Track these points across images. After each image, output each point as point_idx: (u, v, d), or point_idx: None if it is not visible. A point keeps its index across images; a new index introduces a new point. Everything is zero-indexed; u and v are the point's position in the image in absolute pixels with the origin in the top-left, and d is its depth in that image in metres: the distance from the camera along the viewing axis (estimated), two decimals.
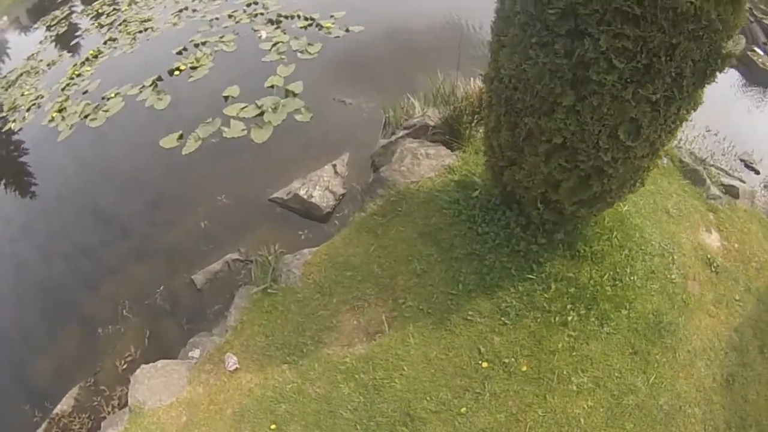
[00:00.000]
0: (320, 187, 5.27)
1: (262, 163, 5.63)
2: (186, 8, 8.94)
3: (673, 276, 4.61)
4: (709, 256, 4.97)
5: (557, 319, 4.13)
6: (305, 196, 5.16)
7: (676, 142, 6.61)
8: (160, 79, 6.75)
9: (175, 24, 8.47)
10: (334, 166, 5.47)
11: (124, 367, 4.59)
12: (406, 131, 5.46)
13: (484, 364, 3.94)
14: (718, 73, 3.29)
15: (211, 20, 8.24)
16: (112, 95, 6.71)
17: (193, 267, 4.92)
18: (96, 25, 9.57)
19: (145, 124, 6.10)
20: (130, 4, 9.78)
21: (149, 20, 8.94)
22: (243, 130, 5.86)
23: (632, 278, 4.43)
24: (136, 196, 5.45)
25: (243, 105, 6.13)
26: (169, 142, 5.74)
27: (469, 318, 4.12)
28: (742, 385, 4.29)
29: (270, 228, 5.17)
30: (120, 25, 9.03)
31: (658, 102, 3.26)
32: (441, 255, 4.46)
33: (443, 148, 5.24)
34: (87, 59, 8.15)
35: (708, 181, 5.59)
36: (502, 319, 4.11)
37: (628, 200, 5.01)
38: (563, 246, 4.42)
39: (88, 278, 5.06)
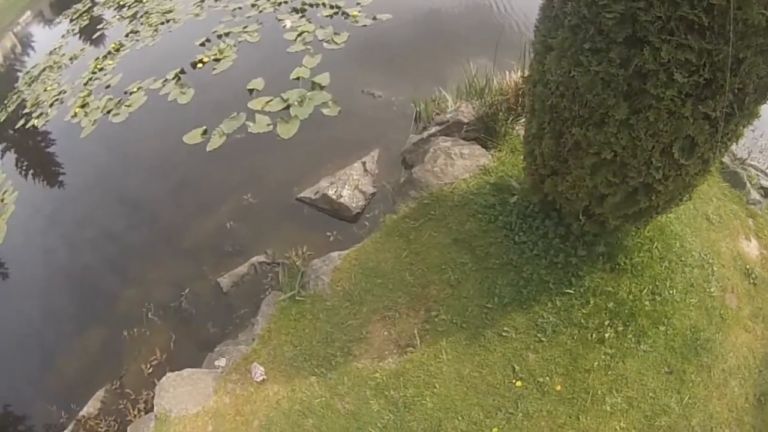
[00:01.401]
0: (349, 186, 4.98)
1: (289, 159, 5.35)
2: None
3: (711, 289, 4.36)
4: (747, 266, 4.71)
5: (594, 336, 3.92)
6: (334, 196, 4.89)
7: None
8: (183, 72, 6.49)
9: (197, 15, 8.18)
10: (364, 163, 5.17)
11: (150, 371, 4.48)
12: (438, 127, 5.16)
13: (518, 383, 3.76)
14: None
15: (234, 10, 7.95)
16: (135, 89, 6.50)
17: (219, 269, 4.75)
18: (118, 17, 9.34)
19: (168, 119, 5.86)
20: None
21: (171, 11, 8.64)
22: (269, 125, 5.60)
23: (671, 292, 4.20)
24: (159, 196, 5.26)
25: (268, 98, 5.86)
26: (192, 137, 5.50)
27: (504, 334, 3.92)
28: None
29: (297, 229, 4.94)
30: (142, 17, 8.76)
31: (716, 119, 2.97)
32: (476, 264, 4.24)
33: (478, 147, 4.94)
34: (109, 53, 7.93)
35: (748, 184, 5.26)
36: (538, 335, 3.91)
37: None
38: (603, 258, 4.18)
39: (114, 279, 4.92)
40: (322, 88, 5.97)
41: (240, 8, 7.98)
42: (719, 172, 5.38)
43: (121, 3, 9.99)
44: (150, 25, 8.35)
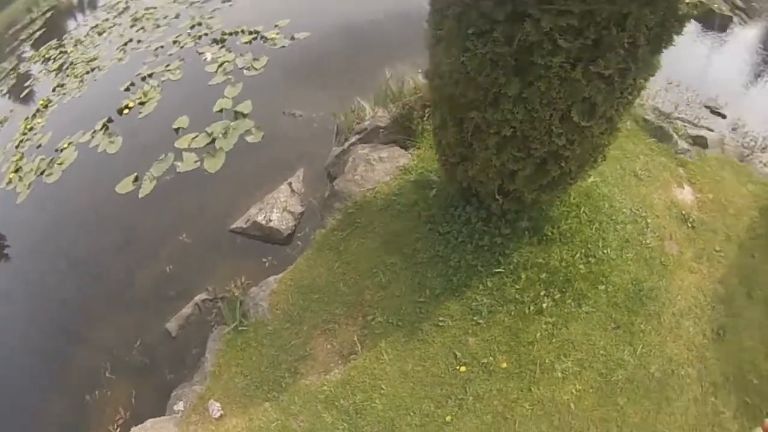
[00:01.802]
0: (278, 209, 5.00)
1: (218, 193, 5.38)
2: (130, 40, 8.66)
3: (648, 241, 4.36)
4: (683, 212, 4.71)
5: (532, 308, 3.89)
6: (264, 222, 4.91)
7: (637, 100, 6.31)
8: (110, 120, 6.48)
9: (120, 59, 8.20)
10: (290, 184, 5.20)
11: (117, 430, 4.35)
12: (357, 136, 5.20)
13: (462, 369, 3.73)
14: (676, 36, 3.01)
15: (156, 50, 7.98)
16: (65, 146, 6.44)
17: (165, 314, 4.70)
18: (44, 71, 9.29)
19: (99, 172, 5.84)
20: (75, 45, 9.42)
21: (95, 59, 8.66)
22: (196, 161, 5.64)
23: (606, 251, 4.19)
24: (100, 251, 5.21)
25: (194, 135, 5.90)
26: (124, 186, 5.48)
27: (440, 324, 3.89)
28: (735, 335, 4.07)
29: (234, 260, 4.92)
30: (67, 68, 8.73)
31: (611, 76, 2.99)
32: (405, 262, 4.23)
33: (397, 148, 4.99)
34: (38, 110, 7.86)
35: (675, 136, 5.30)
36: (475, 318, 3.88)
37: (594, 170, 4.73)
38: (529, 232, 4.17)
39: (69, 344, 4.85)
40: (244, 116, 6.01)
41: (162, 47, 8.01)
42: (645, 130, 5.43)
43: (47, 56, 9.93)
44: (76, 76, 8.31)
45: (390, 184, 4.70)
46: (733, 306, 4.24)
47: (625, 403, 3.61)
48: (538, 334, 3.80)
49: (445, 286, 4.02)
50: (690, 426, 3.60)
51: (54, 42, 10.25)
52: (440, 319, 3.90)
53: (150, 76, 7.01)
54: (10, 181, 6.38)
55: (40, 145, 6.80)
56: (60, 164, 6.10)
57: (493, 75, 3.08)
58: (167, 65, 7.28)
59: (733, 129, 6.18)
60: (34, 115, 7.75)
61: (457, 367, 3.73)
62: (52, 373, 4.81)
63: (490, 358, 3.73)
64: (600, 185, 4.61)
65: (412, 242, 4.29)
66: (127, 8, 9.42)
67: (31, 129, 7.30)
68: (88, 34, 9.56)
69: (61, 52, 9.68)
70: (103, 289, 5.00)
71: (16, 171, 6.59)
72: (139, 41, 8.46)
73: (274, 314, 4.25)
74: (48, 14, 10.69)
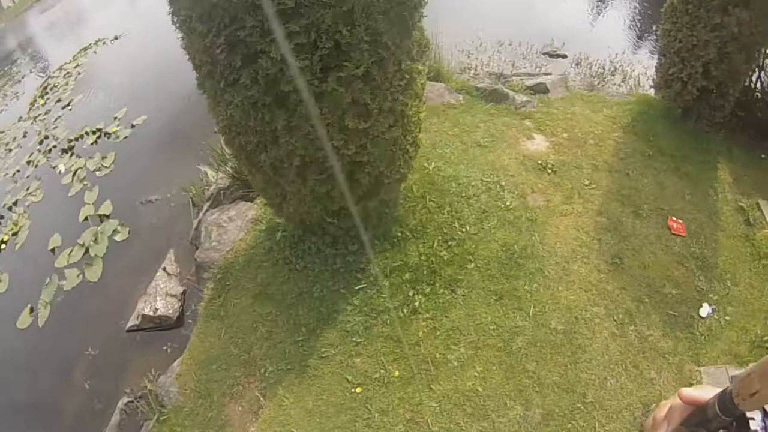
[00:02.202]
0: (161, 296, 4.99)
1: (107, 298, 5.31)
2: None
3: (508, 202, 4.35)
4: (540, 161, 4.73)
5: (406, 311, 3.83)
6: (152, 313, 4.90)
7: (471, 71, 6.42)
8: None
9: None
10: (165, 269, 5.19)
11: None
12: (207, 203, 5.20)
13: (359, 390, 3.64)
14: (423, 10, 3.06)
15: (14, 174, 7.76)
16: None
17: (101, 427, 4.64)
18: None
19: None
20: None
21: None
22: (78, 275, 5.54)
23: (465, 230, 4.17)
24: (18, 390, 5.12)
25: (69, 250, 5.79)
26: (24, 321, 5.35)
27: (324, 355, 3.83)
28: (634, 257, 4.08)
29: (141, 356, 4.88)
30: None
31: (368, 73, 2.96)
32: (278, 308, 4.17)
33: (243, 203, 4.98)
34: None
35: (510, 93, 5.35)
36: (354, 339, 3.82)
37: (433, 155, 4.75)
38: (379, 240, 4.14)
39: None
40: (108, 217, 5.99)
41: (18, 170, 7.78)
42: (479, 98, 5.49)
43: None
44: None
45: (245, 239, 4.68)
46: (623, 230, 4.25)
47: (535, 367, 3.55)
48: (420, 333, 3.75)
49: (317, 318, 3.98)
50: (616, 361, 3.55)
51: None
52: (323, 350, 3.85)
53: (15, 204, 6.90)
54: None
55: None
56: None
57: (259, 117, 3.06)
58: (27, 188, 7.16)
59: (577, 64, 6.31)
60: None
61: (354, 390, 3.65)
62: None
63: (382, 371, 3.67)
64: (443, 168, 4.60)
65: (278, 287, 4.25)
66: None
67: None
68: None
69: None
70: (37, 425, 4.93)
71: None
72: None
73: (185, 395, 4.16)
74: None
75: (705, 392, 0.73)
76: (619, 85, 6.20)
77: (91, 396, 4.86)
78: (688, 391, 0.74)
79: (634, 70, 6.50)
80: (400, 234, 4.14)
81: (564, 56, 6.57)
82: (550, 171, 4.67)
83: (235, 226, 4.74)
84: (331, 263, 4.12)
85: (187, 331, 4.74)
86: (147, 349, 4.88)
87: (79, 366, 5.02)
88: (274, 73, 2.83)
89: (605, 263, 4.03)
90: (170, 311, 4.86)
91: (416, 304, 3.85)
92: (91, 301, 5.42)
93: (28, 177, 7.40)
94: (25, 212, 6.71)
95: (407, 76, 3.22)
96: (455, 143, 4.92)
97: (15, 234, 6.42)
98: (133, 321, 5.01)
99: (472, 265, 3.99)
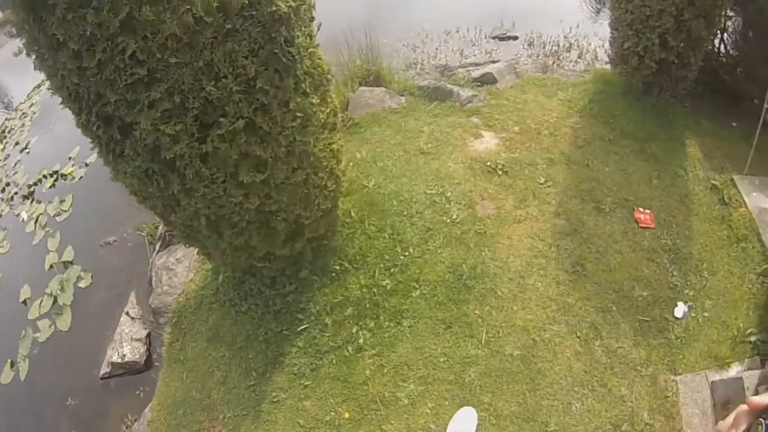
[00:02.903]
0: (126, 341, 4.87)
1: (79, 347, 5.20)
2: None
3: (454, 215, 3.96)
4: (489, 163, 4.31)
5: (350, 349, 3.53)
6: (120, 360, 4.80)
7: (418, 67, 6.04)
8: None
9: None
10: (127, 313, 5.05)
11: None
12: (159, 243, 4.98)
13: None
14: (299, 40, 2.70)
15: None
16: None
17: None
18: None
19: None
20: None
21: None
22: (50, 326, 5.42)
23: (408, 253, 3.80)
24: None
25: (39, 300, 5.70)
26: (7, 376, 5.30)
27: (275, 400, 3.58)
28: (598, 261, 3.70)
29: (117, 402, 4.83)
30: None
31: (252, 122, 2.66)
32: (230, 351, 3.91)
33: None
34: None
35: (455, 88, 4.96)
36: (302, 382, 3.55)
37: (374, 170, 4.45)
38: (318, 275, 3.82)
39: None
40: (71, 263, 5.84)
41: None
42: (423, 98, 5.12)
43: None
44: None
45: (195, 280, 4.46)
46: (584, 231, 3.85)
47: (491, 399, 3.22)
48: (368, 372, 3.45)
49: (265, 362, 3.72)
50: (581, 382, 3.21)
51: None
52: (273, 395, 3.60)
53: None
54: None
55: None
56: None
57: (155, 184, 2.81)
58: None
59: (529, 44, 5.88)
60: None
61: None
62: None
63: (332, 414, 3.41)
64: (383, 184, 4.23)
65: (228, 330, 4.00)
66: None
67: None
68: None
69: None
70: None
71: None
72: None
73: None
74: None
75: None
76: (576, 62, 5.75)
77: None
78: (756, 399, 0.76)
79: (590, 44, 6.05)
80: (338, 267, 3.81)
81: (515, 38, 6.13)
82: (500, 172, 4.27)
83: (184, 267, 4.55)
84: (272, 305, 3.83)
85: (156, 375, 4.67)
86: (122, 395, 4.83)
87: (62, 418, 5.01)
88: (152, 142, 2.55)
89: (565, 273, 3.64)
90: (137, 356, 4.79)
91: (361, 341, 3.54)
92: (65, 351, 5.36)
93: None
94: None
95: (301, 115, 2.84)
96: (397, 153, 4.55)
97: None
98: (104, 368, 4.97)
99: (418, 292, 3.64)
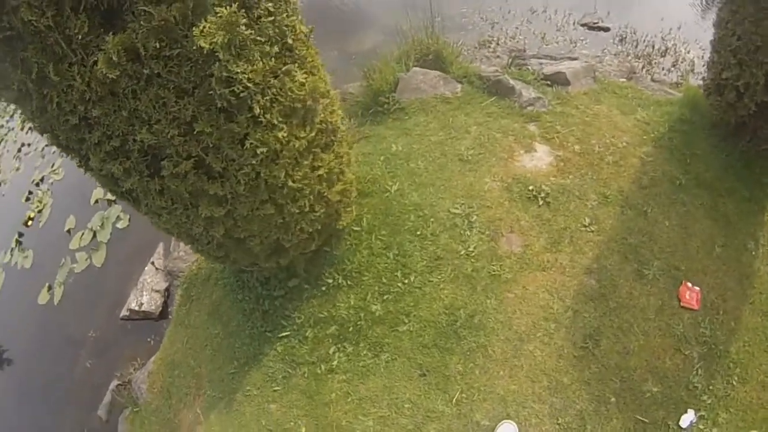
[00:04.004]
0: (146, 290, 5.11)
1: (109, 284, 5.60)
2: (23, 144, 8.68)
3: (471, 246, 3.55)
4: (532, 187, 3.75)
5: (323, 367, 3.41)
6: (137, 307, 5.08)
7: (491, 46, 5.31)
8: (21, 235, 6.93)
9: (17, 169, 8.30)
10: (153, 263, 5.30)
11: None
12: None
13: None
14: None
15: (43, 149, 8.05)
16: None
17: (97, 403, 5.27)
18: None
19: (23, 288, 6.33)
20: None
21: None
22: (86, 259, 5.85)
23: (408, 281, 3.49)
24: (39, 359, 5.82)
25: (81, 233, 6.13)
26: (43, 297, 5.87)
27: (247, 393, 3.63)
28: (617, 338, 3.26)
29: (132, 344, 5.21)
30: None
31: (201, 161, 2.47)
32: (224, 332, 3.94)
33: None
34: None
35: (518, 86, 4.30)
36: (272, 386, 3.56)
37: (402, 172, 4.12)
38: (310, 284, 3.60)
39: None
40: (114, 202, 6.13)
41: (46, 145, 7.74)
42: (481, 90, 4.54)
43: None
44: None
45: None
46: (614, 298, 3.35)
47: None
48: (333, 395, 3.34)
49: (247, 356, 3.74)
50: None
51: None
52: (247, 389, 3.66)
53: (41, 180, 7.35)
54: None
55: None
56: None
57: (132, 202, 2.77)
58: (52, 165, 7.63)
59: (621, 40, 4.93)
60: None
61: None
62: None
63: (291, 424, 3.43)
64: (407, 192, 3.80)
65: (226, 310, 4.01)
66: (16, 110, 9.49)
67: None
68: None
69: None
70: (54, 389, 5.74)
71: None
72: (29, 144, 8.54)
73: (153, 393, 4.35)
74: None
75: None
76: (669, 71, 4.77)
77: (91, 374, 5.42)
78: None
79: (689, 51, 5.02)
80: (332, 280, 3.57)
81: (606, 29, 5.11)
82: (542, 201, 3.71)
83: None
84: (261, 303, 3.74)
85: (167, 327, 5.08)
86: (135, 338, 5.21)
87: (85, 346, 5.58)
88: (110, 173, 2.44)
89: (573, 346, 3.18)
90: (153, 307, 5.08)
91: (335, 363, 3.39)
92: (95, 286, 5.79)
93: (54, 153, 7.90)
94: (48, 190, 7.22)
95: (264, 150, 2.48)
96: (434, 154, 4.06)
97: (40, 211, 6.93)
98: (124, 311, 5.36)
99: (405, 327, 3.35)
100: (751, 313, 3.28)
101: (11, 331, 6.25)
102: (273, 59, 2.27)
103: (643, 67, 4.73)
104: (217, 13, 1.87)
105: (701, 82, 3.97)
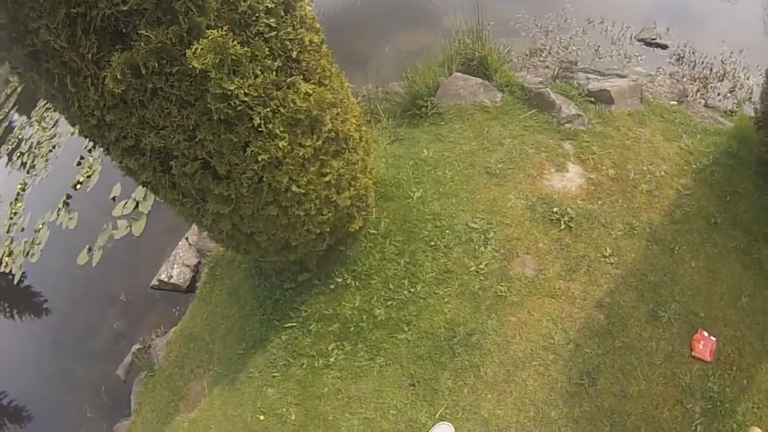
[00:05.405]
0: (177, 264, 5.53)
1: (144, 254, 6.09)
2: None
3: (483, 264, 3.66)
4: (557, 208, 3.81)
5: (321, 362, 3.67)
6: (166, 279, 5.56)
7: (543, 55, 5.30)
8: (69, 197, 7.42)
9: (72, 133, 8.73)
10: (187, 238, 5.76)
11: None
12: None
13: (262, 417, 3.80)
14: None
15: None
16: (40, 226, 7.50)
17: (119, 362, 5.88)
18: (18, 154, 10.24)
19: (66, 247, 6.80)
20: (39, 122, 10.38)
21: (55, 136, 9.59)
22: (127, 227, 6.35)
23: (414, 289, 3.66)
24: (67, 316, 6.50)
25: (124, 201, 6.63)
26: (82, 258, 6.44)
27: (250, 375, 3.97)
28: (616, 379, 3.28)
29: (157, 312, 5.73)
30: (35, 148, 9.78)
31: (207, 163, 2.74)
32: (239, 313, 4.29)
33: None
34: (18, 194, 8.93)
35: (558, 100, 4.34)
36: (272, 371, 3.87)
37: (428, 179, 4.24)
38: (320, 280, 3.84)
39: (60, 390, 6.25)
40: None
41: None
42: (522, 101, 4.59)
43: (20, 137, 10.74)
44: (42, 156, 9.26)
45: None
46: (621, 337, 3.36)
47: None
48: (326, 389, 3.60)
49: (254, 339, 4.05)
50: None
51: (24, 120, 11.39)
52: (250, 371, 3.97)
53: (94, 147, 7.89)
54: (6, 264, 7.64)
55: (23, 228, 7.94)
56: (38, 244, 7.20)
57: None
58: None
59: (678, 59, 4.83)
60: (16, 199, 8.87)
61: (258, 416, 3.83)
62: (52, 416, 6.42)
63: (284, 410, 3.71)
64: (428, 200, 3.94)
65: (244, 294, 4.33)
66: None
67: (15, 213, 8.49)
68: (48, 109, 10.49)
69: (29, 128, 10.63)
70: (84, 345, 6.38)
71: (10, 255, 7.71)
72: None
73: (168, 361, 4.76)
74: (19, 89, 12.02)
75: None
76: (725, 97, 4.60)
77: (118, 335, 5.99)
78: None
79: (748, 78, 4.79)
80: (341, 280, 3.81)
81: (664, 46, 4.97)
82: (564, 225, 3.77)
83: None
84: (273, 292, 4.02)
85: (191, 301, 5.57)
86: (161, 308, 5.70)
87: (113, 308, 6.17)
88: (127, 166, 2.81)
89: (568, 381, 3.23)
90: (181, 280, 5.52)
91: (332, 359, 3.64)
92: (131, 253, 6.33)
93: None
94: (99, 157, 7.88)
95: (264, 157, 2.68)
96: (462, 164, 4.17)
97: (89, 177, 7.61)
98: (155, 281, 5.90)
99: (404, 335, 3.54)
100: (767, 373, 3.25)
101: (51, 285, 6.94)
102: (275, 72, 2.46)
103: (697, 91, 4.63)
104: (208, 36, 2.08)
105: (754, 114, 3.91)
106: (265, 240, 3.15)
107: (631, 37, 5.22)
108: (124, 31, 2.10)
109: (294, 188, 2.84)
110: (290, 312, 3.88)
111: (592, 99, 4.22)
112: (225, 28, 2.14)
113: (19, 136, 10.33)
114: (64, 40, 2.04)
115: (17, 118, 11.00)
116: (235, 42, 2.17)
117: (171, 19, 2.09)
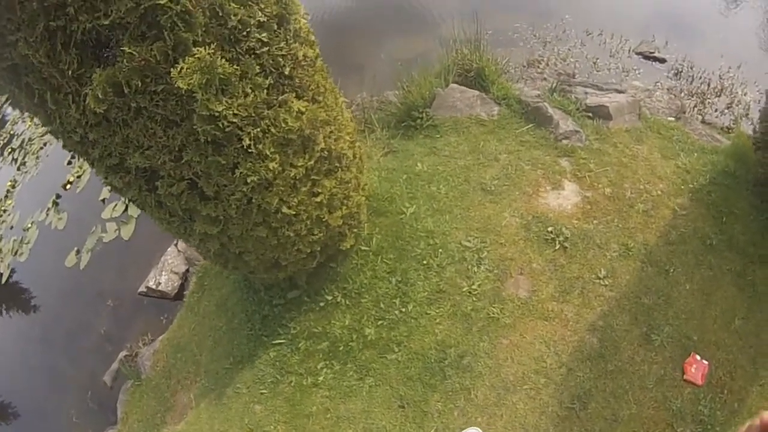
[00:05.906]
0: (166, 271, 5.53)
1: (132, 258, 6.05)
2: None
3: (475, 284, 3.67)
4: (551, 228, 3.81)
5: (309, 380, 3.67)
6: (154, 286, 5.55)
7: (541, 66, 5.30)
8: (58, 197, 7.41)
9: None
10: (176, 245, 5.77)
11: None
12: None
13: None
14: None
15: None
16: (29, 225, 7.48)
17: (105, 364, 5.93)
18: (9, 149, 10.14)
19: (53, 248, 6.82)
20: (32, 118, 9.77)
21: (47, 133, 8.49)
22: (116, 230, 6.31)
23: (405, 309, 3.66)
24: (54, 318, 6.54)
25: (114, 204, 6.61)
26: (70, 260, 6.41)
27: (237, 390, 3.97)
28: (607, 403, 3.31)
29: (145, 319, 5.73)
30: (26, 145, 9.70)
31: (194, 184, 2.70)
32: (227, 326, 4.29)
33: None
34: (8, 191, 8.88)
35: (555, 116, 4.35)
36: (260, 388, 3.88)
37: (422, 194, 4.24)
38: (309, 298, 3.83)
39: (49, 391, 6.22)
40: None
41: None
42: (519, 115, 4.62)
43: (11, 132, 10.60)
44: (33, 153, 9.19)
45: None
46: (613, 361, 3.38)
47: None
48: (314, 408, 3.60)
49: (242, 355, 4.04)
50: None
51: (17, 115, 11.07)
52: (237, 386, 3.98)
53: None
54: None
55: (12, 227, 7.91)
56: (27, 243, 7.17)
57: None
58: None
59: (676, 74, 4.84)
60: (6, 196, 8.82)
61: None
62: (39, 418, 6.44)
63: (271, 427, 3.71)
64: (422, 217, 3.94)
65: (232, 307, 4.33)
66: None
67: (5, 211, 8.47)
68: None
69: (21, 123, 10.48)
70: (70, 347, 6.38)
71: None
72: None
73: (155, 371, 4.75)
74: None
75: None
76: (722, 113, 4.63)
77: (105, 340, 6.02)
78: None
79: (746, 94, 4.83)
80: (331, 297, 3.80)
81: (662, 60, 4.98)
82: (559, 245, 3.77)
83: None
84: (262, 307, 4.02)
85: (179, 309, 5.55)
86: (149, 315, 5.70)
87: (101, 313, 6.17)
88: (121, 184, 2.76)
89: (559, 405, 3.25)
90: (169, 288, 5.52)
91: (321, 378, 3.65)
92: (119, 257, 6.32)
93: None
94: None
95: (254, 178, 2.66)
96: (457, 180, 4.17)
97: (79, 177, 7.56)
98: (143, 287, 5.91)
99: (394, 356, 3.54)
100: (758, 397, 3.25)
101: (40, 285, 6.94)
102: (266, 90, 2.42)
103: (695, 106, 4.65)
104: (194, 54, 2.02)
105: (752, 133, 3.93)
106: (254, 259, 3.15)
107: (629, 50, 5.23)
108: (106, 46, 2.07)
109: (284, 209, 2.82)
110: (279, 328, 3.88)
111: (590, 114, 4.22)
112: (213, 45, 2.09)
113: (11, 132, 10.17)
114: (43, 54, 1.99)
115: (10, 113, 10.86)
116: (224, 60, 2.13)
117: (156, 35, 2.04)
